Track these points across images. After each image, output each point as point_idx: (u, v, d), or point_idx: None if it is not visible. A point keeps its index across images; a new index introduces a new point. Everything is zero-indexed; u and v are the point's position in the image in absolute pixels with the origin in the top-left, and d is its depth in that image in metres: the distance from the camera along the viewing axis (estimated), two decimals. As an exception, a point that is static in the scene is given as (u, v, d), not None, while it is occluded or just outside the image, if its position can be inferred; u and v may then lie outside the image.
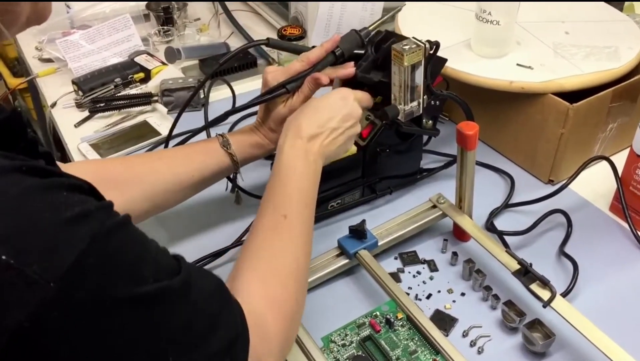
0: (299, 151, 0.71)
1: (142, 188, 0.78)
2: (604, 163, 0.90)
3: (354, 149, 0.89)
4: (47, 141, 2.08)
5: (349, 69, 0.85)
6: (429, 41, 0.82)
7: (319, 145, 0.72)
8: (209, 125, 0.91)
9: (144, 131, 1.09)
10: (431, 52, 0.82)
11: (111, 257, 0.44)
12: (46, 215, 0.42)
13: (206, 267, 0.84)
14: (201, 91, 1.11)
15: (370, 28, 0.86)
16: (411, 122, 0.89)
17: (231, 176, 0.89)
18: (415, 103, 0.85)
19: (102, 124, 1.10)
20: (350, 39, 0.85)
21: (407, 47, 0.79)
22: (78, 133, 1.09)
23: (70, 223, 0.42)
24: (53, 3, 0.55)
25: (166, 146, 0.94)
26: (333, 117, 0.74)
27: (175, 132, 1.08)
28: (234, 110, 0.87)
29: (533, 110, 0.95)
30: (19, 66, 2.24)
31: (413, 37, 0.81)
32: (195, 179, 0.81)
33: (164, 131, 1.07)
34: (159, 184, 0.79)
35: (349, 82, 0.88)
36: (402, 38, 0.83)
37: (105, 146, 1.06)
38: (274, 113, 0.83)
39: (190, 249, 0.86)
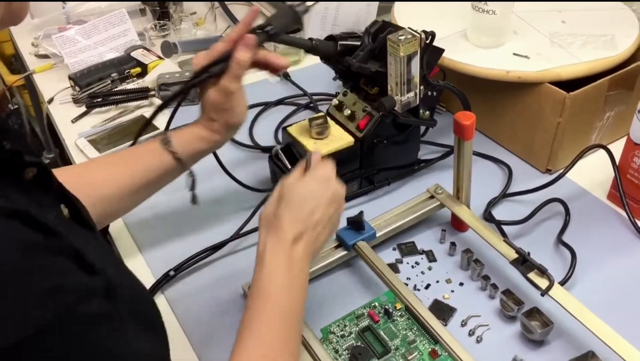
0: (282, 260, 0.62)
1: (87, 194, 0.70)
2: (602, 152, 0.90)
3: (351, 140, 0.89)
4: (45, 138, 2.08)
5: (282, 61, 0.78)
6: (424, 31, 0.82)
7: (303, 246, 0.64)
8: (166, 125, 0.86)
9: (141, 124, 1.08)
10: (427, 42, 0.82)
11: (67, 348, 0.40)
12: (16, 279, 0.39)
13: (204, 260, 0.84)
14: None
15: (308, 4, 0.78)
16: (408, 113, 0.89)
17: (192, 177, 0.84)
18: (411, 94, 0.85)
19: (99, 120, 1.10)
20: (284, 15, 0.77)
21: (402, 37, 0.79)
22: (75, 129, 1.09)
23: (38, 295, 0.39)
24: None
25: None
26: (317, 207, 0.66)
27: (173, 125, 1.08)
28: (164, 104, 0.80)
29: (530, 99, 0.95)
30: (15, 63, 2.24)
31: (409, 28, 0.81)
32: (142, 183, 0.77)
33: (162, 126, 1.06)
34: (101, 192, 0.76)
35: (347, 73, 0.88)
36: (399, 28, 0.83)
37: (103, 141, 1.05)
38: (208, 100, 0.77)
39: (191, 243, 0.86)
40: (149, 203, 0.83)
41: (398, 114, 0.86)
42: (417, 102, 0.87)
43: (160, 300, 0.79)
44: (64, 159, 1.16)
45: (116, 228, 0.90)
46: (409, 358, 0.69)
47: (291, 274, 0.62)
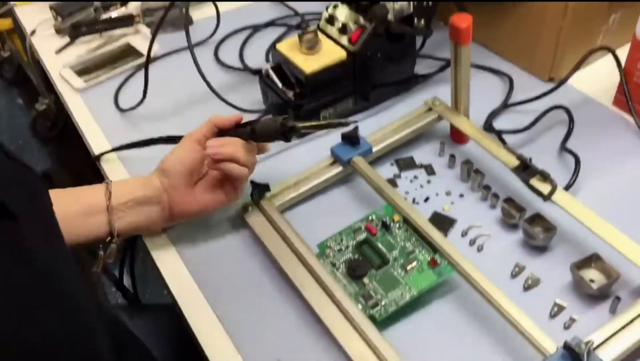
0: None
1: None
2: (607, 58, 0.86)
3: (343, 54, 0.85)
4: (38, 83, 2.04)
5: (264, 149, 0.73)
6: None
7: None
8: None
9: (127, 53, 1.05)
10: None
11: None
12: None
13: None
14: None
15: (299, 125, 0.69)
16: (402, 22, 0.84)
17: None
18: (404, 1, 0.81)
19: (84, 49, 1.07)
20: (270, 126, 0.70)
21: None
22: (60, 60, 1.05)
23: None
24: None
25: (146, 68, 0.89)
26: None
27: (161, 52, 1.05)
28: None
29: (531, 4, 0.90)
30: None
31: None
32: None
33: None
34: None
35: None
36: None
37: (89, 71, 1.02)
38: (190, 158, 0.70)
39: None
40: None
41: (391, 23, 0.82)
42: (411, 9, 0.82)
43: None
44: (59, 106, 1.13)
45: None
46: (407, 268, 0.67)
47: None
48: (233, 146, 0.69)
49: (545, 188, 0.71)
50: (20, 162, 0.49)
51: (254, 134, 0.70)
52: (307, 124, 0.68)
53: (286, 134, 0.69)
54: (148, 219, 0.71)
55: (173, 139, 0.82)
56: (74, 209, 0.69)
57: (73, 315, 0.45)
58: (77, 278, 0.49)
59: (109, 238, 0.70)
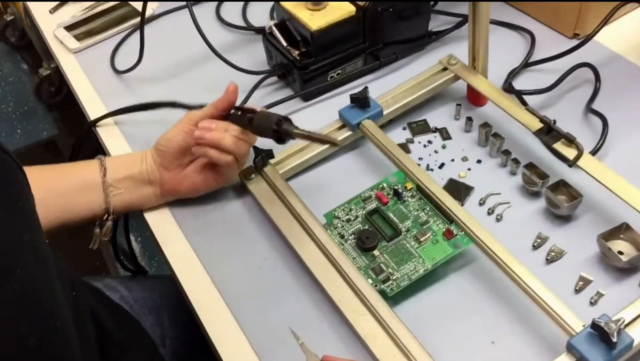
0: None
1: None
2: (637, 12, 0.80)
3: (352, 9, 0.79)
4: (42, 46, 1.99)
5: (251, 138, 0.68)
6: None
7: None
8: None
9: (124, 12, 1.00)
10: None
11: None
12: None
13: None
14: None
15: (295, 131, 0.63)
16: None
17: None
18: (419, -51, 0.74)
19: (78, 9, 1.01)
20: (266, 122, 0.65)
21: None
22: (54, 20, 1.00)
23: None
24: None
25: (142, 28, 0.84)
26: None
27: (159, 11, 0.99)
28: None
29: (556, -47, 0.83)
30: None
31: None
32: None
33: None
34: None
35: None
36: None
37: (84, 30, 0.97)
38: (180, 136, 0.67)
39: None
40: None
41: (404, -26, 0.76)
42: (426, -41, 0.76)
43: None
44: (60, 72, 1.08)
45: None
46: (421, 239, 0.63)
47: None
48: (221, 132, 0.65)
49: (570, 153, 0.66)
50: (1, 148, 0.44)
51: (250, 125, 0.66)
52: (302, 132, 0.63)
53: (280, 135, 0.64)
54: (143, 197, 0.69)
55: (173, 105, 0.77)
56: (70, 186, 0.67)
57: (48, 326, 0.43)
58: (54, 281, 0.45)
59: (105, 215, 0.67)
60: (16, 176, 0.44)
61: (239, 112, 0.67)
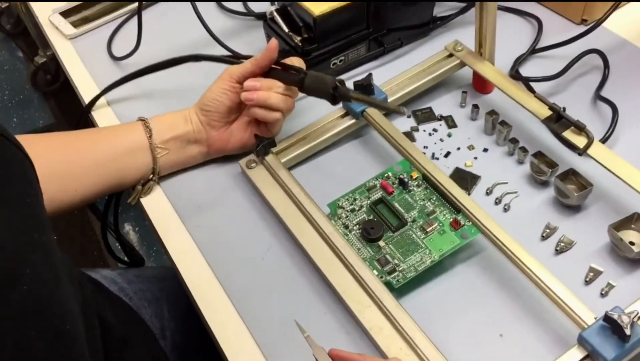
0: None
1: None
2: (646, -4, 0.77)
3: (355, -6, 0.77)
4: (38, 32, 1.96)
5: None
6: None
7: None
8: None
9: (121, -3, 0.97)
10: None
11: None
12: None
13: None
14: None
15: (354, 95, 0.63)
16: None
17: None
18: None
19: (74, -7, 0.99)
20: (321, 84, 0.65)
21: None
22: (50, 5, 0.98)
23: None
24: None
25: (139, 12, 0.82)
26: None
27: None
28: None
29: (564, -64, 0.81)
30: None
31: None
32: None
33: (144, -3, 0.95)
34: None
35: None
36: None
37: (81, 16, 0.95)
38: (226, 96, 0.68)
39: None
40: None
41: (409, -42, 0.74)
42: (431, -58, 0.74)
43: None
44: (56, 59, 1.06)
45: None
46: (427, 230, 0.61)
47: None
48: (266, 92, 0.66)
49: (580, 141, 0.64)
50: (8, 139, 0.42)
51: (301, 85, 0.66)
52: (361, 96, 0.64)
53: (335, 97, 0.64)
54: (190, 157, 0.70)
55: (196, 58, 0.75)
56: (118, 150, 0.68)
57: (57, 330, 0.40)
58: (63, 281, 0.43)
59: (152, 175, 0.69)
60: (24, 170, 0.43)
61: (286, 70, 0.67)
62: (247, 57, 0.76)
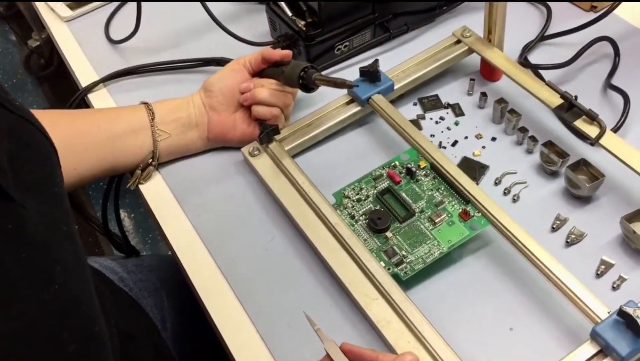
0: None
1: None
2: (657, -17, 0.75)
3: (361, -23, 0.75)
4: (31, 15, 1.93)
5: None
6: None
7: None
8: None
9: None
10: None
11: None
12: None
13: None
14: None
15: (315, 76, 0.64)
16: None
17: None
18: None
19: (71, -25, 0.96)
20: (293, 70, 0.65)
21: None
22: (45, -13, 0.95)
23: None
24: None
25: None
26: None
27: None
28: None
29: None
30: None
31: None
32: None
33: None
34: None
35: None
36: None
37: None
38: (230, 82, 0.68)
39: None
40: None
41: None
42: None
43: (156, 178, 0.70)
44: (50, 42, 1.03)
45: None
46: (436, 220, 0.60)
47: None
48: (258, 90, 0.66)
49: (592, 131, 0.63)
50: (27, 120, 0.40)
51: (282, 77, 0.66)
52: (322, 77, 0.64)
53: (305, 85, 0.65)
54: (190, 141, 0.69)
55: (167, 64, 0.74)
56: (119, 130, 0.66)
57: (88, 331, 0.38)
58: (88, 277, 0.41)
59: (151, 160, 0.67)
60: (51, 157, 0.41)
61: (275, 66, 0.68)
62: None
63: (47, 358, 0.34)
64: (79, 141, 0.65)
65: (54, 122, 0.64)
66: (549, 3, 0.83)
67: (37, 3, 0.94)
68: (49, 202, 0.38)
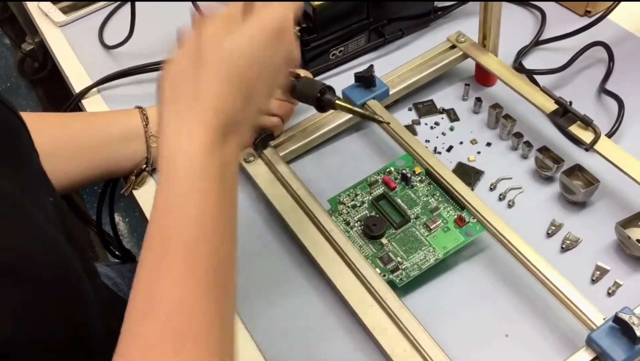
0: (207, 166, 0.39)
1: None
2: (651, -12, 0.76)
3: (356, -17, 0.75)
4: (25, 20, 1.92)
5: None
6: None
7: (237, 145, 0.42)
8: None
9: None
10: None
11: None
12: None
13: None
14: None
15: (338, 103, 0.60)
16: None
17: None
18: None
19: (64, -20, 0.96)
20: (309, 89, 0.61)
21: None
22: (38, -8, 0.95)
23: None
24: None
25: (132, 1, 0.80)
26: (259, 79, 0.43)
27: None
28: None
29: None
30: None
31: None
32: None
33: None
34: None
35: None
36: None
37: (71, 1, 0.92)
38: None
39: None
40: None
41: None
42: None
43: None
44: (44, 46, 1.02)
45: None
46: (431, 227, 0.60)
47: (220, 187, 0.39)
48: None
49: (586, 136, 0.63)
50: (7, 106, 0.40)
51: (293, 90, 0.63)
52: (344, 104, 0.61)
53: (322, 105, 0.62)
54: None
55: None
56: (113, 135, 0.66)
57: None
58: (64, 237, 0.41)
59: (145, 166, 0.66)
60: (19, 131, 0.40)
61: None
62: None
63: None
64: (71, 145, 0.64)
65: (47, 125, 0.64)
66: (544, 8, 0.83)
67: (30, 8, 0.93)
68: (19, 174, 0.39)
